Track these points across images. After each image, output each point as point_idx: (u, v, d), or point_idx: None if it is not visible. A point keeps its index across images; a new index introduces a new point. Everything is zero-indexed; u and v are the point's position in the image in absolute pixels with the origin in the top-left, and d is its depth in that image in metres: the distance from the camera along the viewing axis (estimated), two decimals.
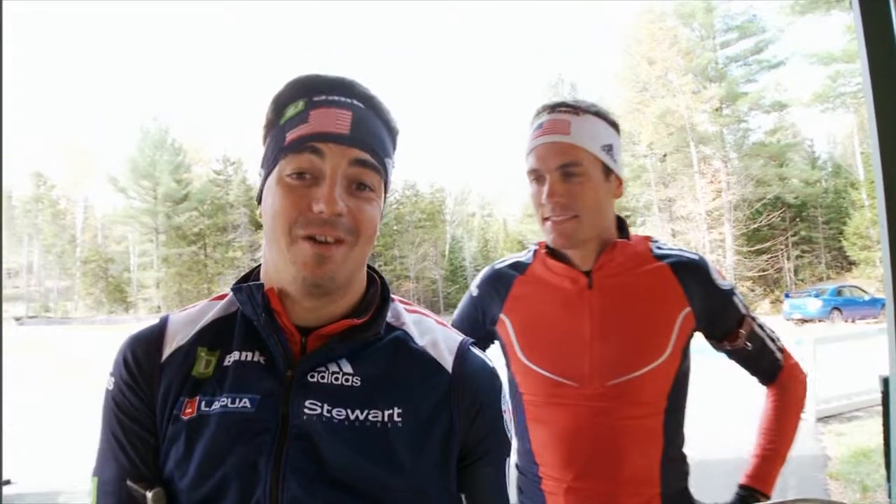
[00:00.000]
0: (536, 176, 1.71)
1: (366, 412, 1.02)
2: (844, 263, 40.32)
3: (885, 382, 2.15)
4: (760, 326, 1.82)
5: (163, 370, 1.07)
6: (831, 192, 42.99)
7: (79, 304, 49.75)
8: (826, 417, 8.87)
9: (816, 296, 27.45)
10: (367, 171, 1.05)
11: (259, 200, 1.11)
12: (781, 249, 40.03)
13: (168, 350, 1.09)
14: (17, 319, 43.72)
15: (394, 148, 1.15)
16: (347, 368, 1.05)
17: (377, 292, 1.16)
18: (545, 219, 1.69)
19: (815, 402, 8.64)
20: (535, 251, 1.84)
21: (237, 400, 1.01)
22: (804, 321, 26.23)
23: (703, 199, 37.46)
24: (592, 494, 1.65)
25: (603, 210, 1.72)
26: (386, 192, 1.14)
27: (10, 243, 54.41)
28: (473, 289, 1.92)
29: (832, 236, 41.32)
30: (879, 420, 2.58)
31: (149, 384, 1.06)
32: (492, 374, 1.16)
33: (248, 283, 1.11)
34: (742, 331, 1.77)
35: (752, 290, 37.61)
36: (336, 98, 1.06)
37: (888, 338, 2.11)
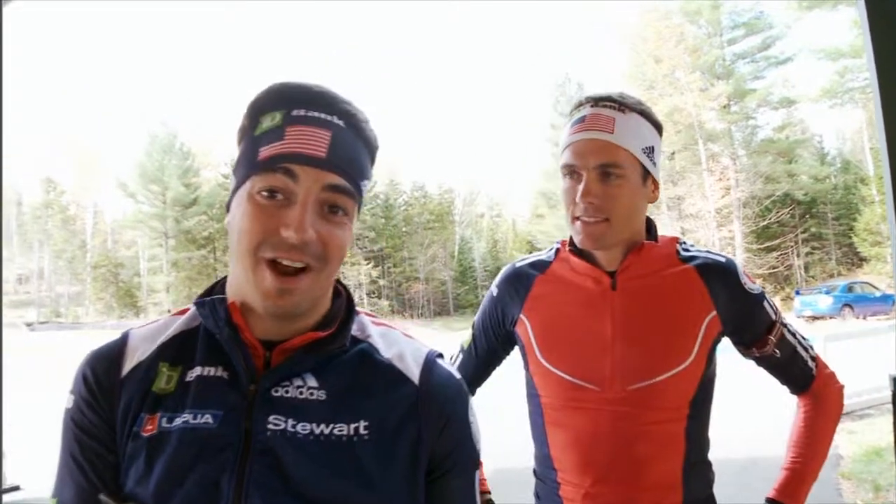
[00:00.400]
0: (571, 172, 1.63)
1: (331, 426, 1.01)
2: (855, 260, 40.18)
3: (895, 381, 2.11)
4: (792, 333, 1.75)
5: (122, 386, 1.05)
6: (841, 188, 42.88)
7: (89, 309, 49.89)
8: None
9: (827, 293, 27.39)
10: (341, 196, 1.02)
11: (228, 209, 1.08)
12: (791, 246, 39.94)
13: (128, 366, 1.06)
14: (29, 325, 43.88)
15: (372, 164, 1.13)
16: (312, 382, 1.04)
17: (342, 305, 1.14)
18: (575, 218, 1.62)
19: None
20: (557, 250, 1.80)
21: (199, 416, 0.99)
22: (815, 318, 26.13)
23: (712, 197, 37.34)
24: (612, 501, 1.61)
25: (636, 214, 1.66)
26: (358, 212, 1.11)
27: (21, 249, 54.76)
28: (493, 288, 1.87)
29: (842, 232, 41.20)
30: (892, 418, 2.54)
31: (108, 401, 1.04)
32: (459, 385, 1.15)
33: (211, 296, 1.09)
34: (772, 337, 1.70)
35: (763, 288, 37.38)
36: (315, 114, 1.02)
37: None
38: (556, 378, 1.67)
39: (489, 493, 1.81)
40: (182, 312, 1.15)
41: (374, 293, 48.01)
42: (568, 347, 1.67)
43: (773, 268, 37.53)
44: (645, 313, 1.63)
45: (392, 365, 1.10)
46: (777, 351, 1.71)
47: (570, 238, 1.72)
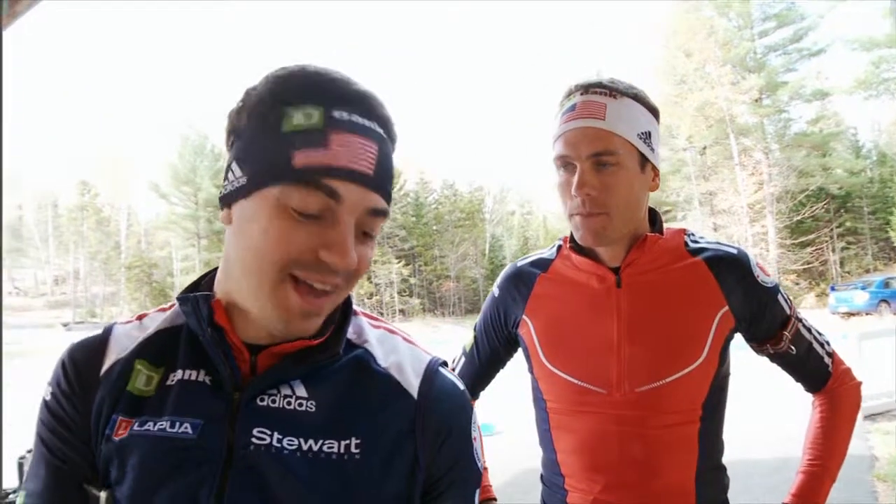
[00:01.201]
0: (565, 164, 1.53)
1: (320, 442, 0.91)
2: (892, 254, 39.65)
3: None
4: (808, 329, 1.66)
5: (100, 383, 0.97)
6: (877, 181, 42.30)
7: (124, 309, 50.61)
8: (873, 415, 8.43)
9: (863, 288, 26.84)
10: (380, 219, 0.91)
11: (227, 204, 0.94)
12: (826, 241, 39.41)
13: (108, 361, 0.98)
14: (65, 325, 44.71)
15: None
16: (301, 392, 0.94)
17: (339, 307, 1.02)
18: (573, 214, 1.54)
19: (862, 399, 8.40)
20: (559, 247, 1.71)
21: (177, 424, 0.90)
22: (851, 315, 25.69)
23: (744, 192, 36.98)
24: None
25: (636, 205, 1.55)
26: None
27: (57, 251, 55.70)
28: (495, 289, 1.79)
29: (878, 227, 40.65)
30: None
31: (85, 395, 0.96)
32: (462, 396, 1.04)
33: (196, 292, 0.98)
34: (786, 333, 1.61)
35: (797, 284, 37.08)
36: (360, 121, 0.89)
37: None
38: (560, 381, 1.60)
39: (495, 499, 1.77)
40: (167, 308, 1.07)
41: (405, 291, 48.11)
42: (572, 349, 1.59)
43: (808, 263, 37.07)
44: (652, 311, 1.54)
45: (390, 375, 1.00)
46: (792, 347, 1.63)
47: (571, 234, 1.64)
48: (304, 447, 0.90)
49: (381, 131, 0.92)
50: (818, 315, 26.32)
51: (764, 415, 8.43)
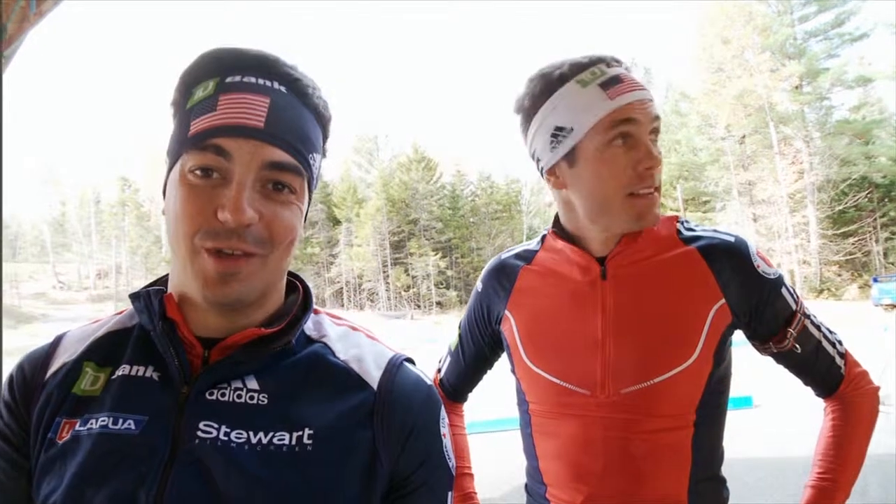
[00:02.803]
0: (625, 135, 1.36)
1: (270, 434, 0.87)
2: None
3: None
4: (816, 326, 1.50)
5: (42, 389, 0.93)
6: None
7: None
8: None
9: None
10: (285, 173, 0.89)
11: (164, 194, 0.94)
12: (869, 231, 38.58)
13: (53, 367, 0.95)
14: None
15: (325, 138, 1.00)
16: (253, 385, 0.90)
17: (296, 301, 1.01)
18: (633, 193, 1.38)
19: None
20: (544, 237, 1.59)
21: (120, 420, 0.87)
22: (894, 306, 25.14)
23: (784, 181, 36.36)
24: None
25: None
26: (311, 192, 0.99)
27: (99, 246, 56.73)
28: (478, 283, 1.67)
29: None
30: None
31: (26, 404, 0.93)
32: (428, 391, 0.99)
33: (141, 290, 0.96)
34: (791, 330, 1.46)
35: (839, 275, 36.44)
36: (252, 80, 0.89)
37: None
38: (542, 381, 1.48)
39: None
40: (122, 312, 1.04)
41: (441, 284, 48.24)
42: (555, 346, 1.48)
43: (851, 254, 36.37)
44: (639, 305, 1.42)
45: (348, 368, 0.96)
46: (798, 346, 1.48)
47: (556, 221, 1.55)
48: (254, 440, 0.86)
49: (281, 88, 0.91)
50: (861, 307, 25.83)
51: (796, 409, 8.29)
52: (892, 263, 38.19)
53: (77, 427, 0.88)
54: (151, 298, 0.92)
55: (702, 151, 39.03)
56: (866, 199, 37.75)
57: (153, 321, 0.91)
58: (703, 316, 1.40)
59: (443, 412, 1.01)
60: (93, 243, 58.37)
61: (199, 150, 0.86)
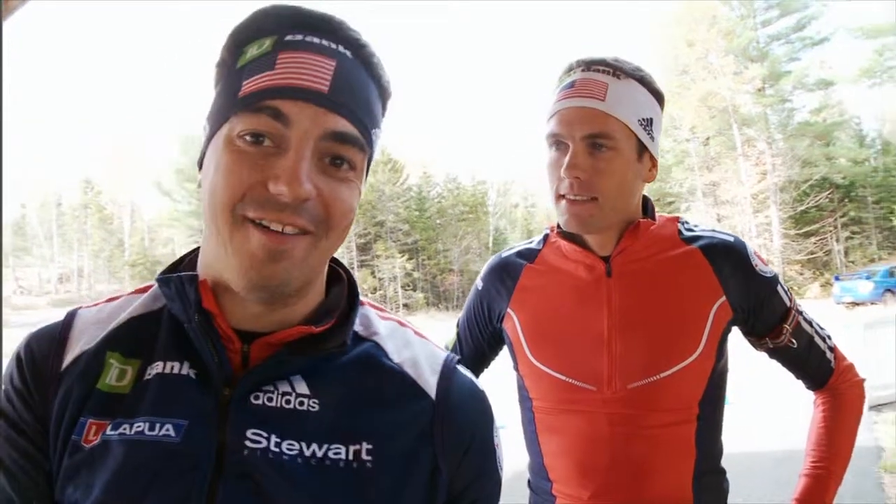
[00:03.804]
0: (557, 142, 1.44)
1: (325, 447, 0.79)
2: None
3: None
4: (808, 322, 1.59)
5: (61, 379, 0.82)
6: (881, 170, 42.14)
7: None
8: (878, 406, 8.21)
9: (868, 278, 26.72)
10: (348, 146, 0.79)
11: (200, 166, 0.85)
12: (830, 231, 39.30)
13: (72, 354, 0.84)
14: None
15: (384, 112, 0.91)
16: (302, 389, 0.82)
17: (342, 293, 0.92)
18: (560, 196, 1.45)
19: (866, 389, 8.36)
20: (546, 236, 1.63)
21: (157, 426, 0.77)
22: (856, 304, 25.61)
23: (747, 182, 36.87)
24: None
25: (628, 194, 1.47)
26: (368, 171, 0.89)
27: (61, 249, 55.84)
28: (478, 281, 1.69)
29: (883, 216, 40.60)
30: None
31: (42, 394, 0.82)
32: (483, 400, 0.94)
33: (178, 273, 0.86)
34: (787, 326, 1.54)
35: (801, 274, 37.07)
36: (316, 41, 0.80)
37: None
38: (548, 378, 1.51)
39: None
40: (143, 290, 0.93)
41: (408, 286, 48.09)
42: (560, 343, 1.51)
43: (812, 253, 36.97)
44: (645, 302, 1.46)
45: (404, 372, 0.88)
46: (793, 341, 1.55)
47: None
48: (307, 452, 0.78)
49: (347, 52, 0.82)
50: (822, 305, 26.31)
51: (765, 406, 8.41)
52: (853, 262, 38.99)
53: (108, 431, 0.78)
54: (185, 286, 0.82)
55: (667, 153, 39.33)
56: (827, 200, 38.42)
57: (187, 311, 0.81)
58: (705, 312, 1.45)
59: (496, 422, 0.95)
60: (54, 246, 57.38)
61: (251, 112, 0.76)
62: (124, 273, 51.63)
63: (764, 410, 8.18)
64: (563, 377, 1.48)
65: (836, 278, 29.28)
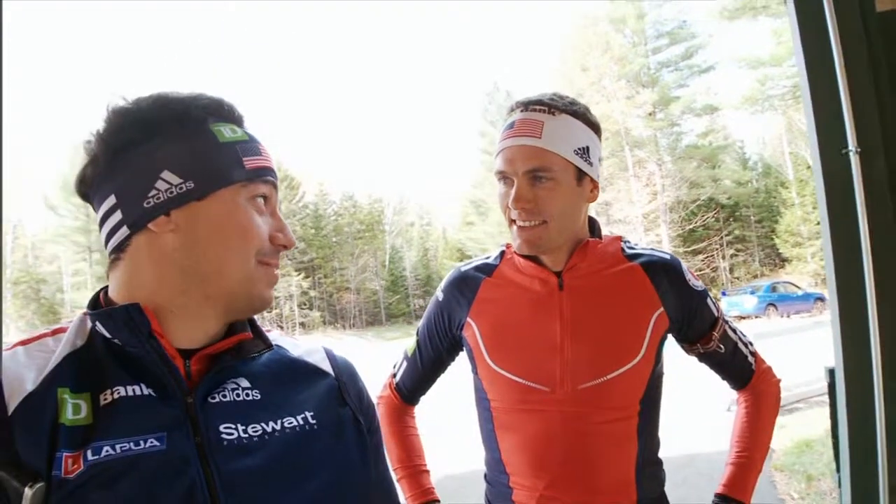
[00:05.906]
0: (504, 178, 1.62)
1: (280, 421, 0.99)
2: (777, 260, 41.48)
3: (831, 373, 2.19)
4: (733, 330, 1.79)
5: (14, 422, 0.84)
6: (762, 191, 44.25)
7: (10, 328, 47.93)
8: None
9: (752, 293, 28.03)
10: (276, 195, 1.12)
11: (162, 210, 0.98)
12: (717, 249, 41.08)
13: (15, 400, 0.85)
14: None
15: None
16: (245, 384, 1.02)
17: None
18: (512, 221, 1.62)
19: None
20: (503, 252, 1.78)
21: (141, 441, 0.86)
22: (741, 318, 26.65)
23: (639, 202, 38.05)
24: (566, 503, 1.60)
25: (572, 216, 1.63)
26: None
27: None
28: (439, 293, 1.84)
29: (765, 234, 42.53)
30: (820, 410, 2.63)
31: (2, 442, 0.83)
32: (353, 365, 1.22)
33: (113, 307, 0.96)
34: (715, 333, 1.74)
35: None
36: (250, 132, 1.09)
37: (833, 330, 2.15)
38: (505, 381, 1.65)
39: (438, 501, 1.82)
40: (58, 332, 0.98)
41: (305, 304, 47.38)
42: (517, 349, 1.65)
43: (700, 270, 38.31)
44: (593, 312, 1.63)
45: (306, 361, 1.14)
46: (721, 346, 1.76)
47: None
48: (269, 429, 0.97)
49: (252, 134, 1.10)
50: None
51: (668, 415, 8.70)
52: (738, 278, 40.74)
53: (89, 456, 0.84)
54: (132, 316, 0.94)
55: None
56: (713, 219, 40.02)
57: (139, 339, 0.94)
58: (645, 322, 1.63)
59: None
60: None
61: (262, 182, 1.05)
62: (6, 292, 48.31)
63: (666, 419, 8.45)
64: (520, 380, 1.64)
65: (724, 293, 30.58)
